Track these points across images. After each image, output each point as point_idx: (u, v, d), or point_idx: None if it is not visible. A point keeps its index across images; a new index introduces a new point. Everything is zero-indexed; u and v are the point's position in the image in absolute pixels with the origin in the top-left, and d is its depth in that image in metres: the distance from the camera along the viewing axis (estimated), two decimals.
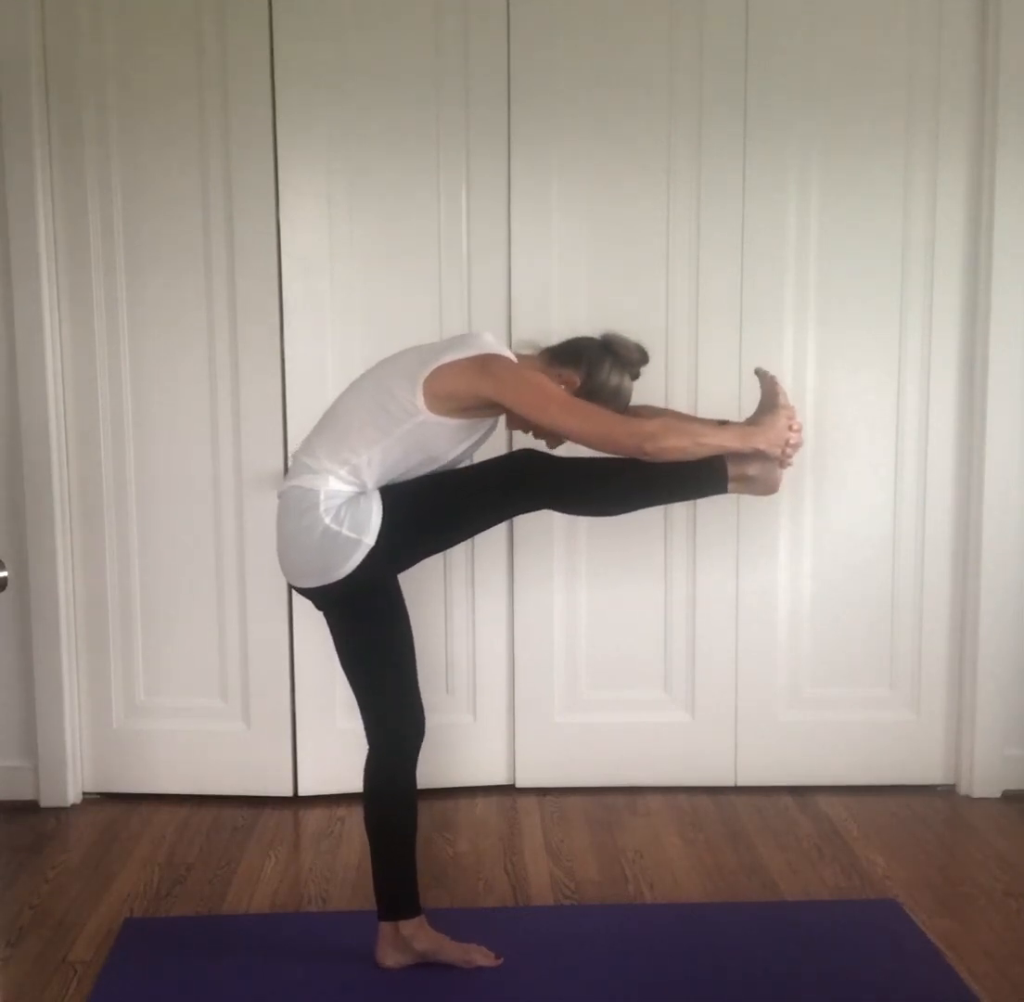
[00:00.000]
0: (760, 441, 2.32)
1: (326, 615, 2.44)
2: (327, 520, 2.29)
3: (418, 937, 2.44)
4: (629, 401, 2.45)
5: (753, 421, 2.41)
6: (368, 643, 2.41)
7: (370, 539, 2.29)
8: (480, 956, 2.47)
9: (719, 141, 3.20)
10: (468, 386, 2.30)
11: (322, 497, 2.31)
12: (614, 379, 2.41)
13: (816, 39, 3.18)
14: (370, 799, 2.44)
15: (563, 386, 2.39)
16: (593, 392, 2.38)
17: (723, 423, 2.40)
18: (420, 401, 2.29)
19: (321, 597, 2.39)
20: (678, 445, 2.26)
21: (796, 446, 2.37)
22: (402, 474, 2.35)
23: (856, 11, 3.19)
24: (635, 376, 2.47)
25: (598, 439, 2.30)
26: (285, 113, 3.12)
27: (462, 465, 2.45)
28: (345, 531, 2.28)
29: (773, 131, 3.20)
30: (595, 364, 2.40)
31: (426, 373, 2.30)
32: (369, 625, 2.40)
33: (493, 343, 2.41)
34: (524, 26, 3.15)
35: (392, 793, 2.42)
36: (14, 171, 3.12)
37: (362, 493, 2.33)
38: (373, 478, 2.34)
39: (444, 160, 3.19)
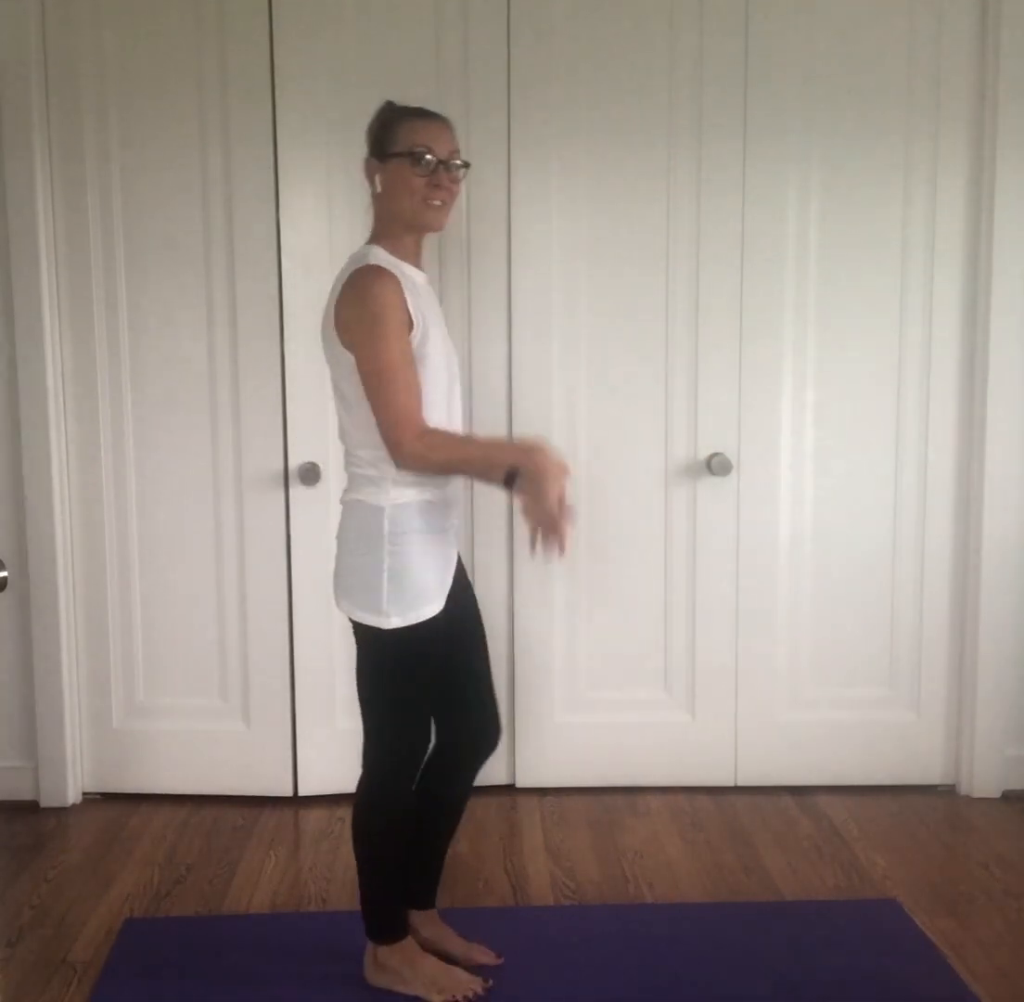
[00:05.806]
0: (525, 459, 2.04)
1: (357, 642, 2.26)
2: (390, 561, 2.14)
3: (392, 962, 2.34)
4: (440, 144, 2.21)
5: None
6: (391, 688, 2.24)
7: (435, 608, 2.17)
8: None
9: (719, 142, 3.19)
10: (344, 327, 2.12)
11: (386, 517, 2.15)
12: (389, 128, 2.22)
13: (816, 40, 3.18)
14: (356, 822, 2.32)
15: (378, 177, 2.21)
16: (391, 148, 2.20)
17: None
18: (345, 355, 2.14)
19: (361, 631, 2.22)
20: (439, 460, 2.12)
21: (557, 516, 2.02)
22: None
23: (856, 11, 3.19)
24: (416, 111, 2.25)
25: (381, 400, 2.09)
26: (285, 113, 3.12)
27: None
28: (409, 593, 2.14)
29: (773, 131, 3.20)
30: (370, 130, 2.27)
31: (332, 327, 2.16)
32: (399, 676, 2.23)
33: (365, 255, 2.18)
34: (524, 27, 3.15)
35: (374, 822, 2.29)
36: (14, 170, 3.12)
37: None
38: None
39: None
